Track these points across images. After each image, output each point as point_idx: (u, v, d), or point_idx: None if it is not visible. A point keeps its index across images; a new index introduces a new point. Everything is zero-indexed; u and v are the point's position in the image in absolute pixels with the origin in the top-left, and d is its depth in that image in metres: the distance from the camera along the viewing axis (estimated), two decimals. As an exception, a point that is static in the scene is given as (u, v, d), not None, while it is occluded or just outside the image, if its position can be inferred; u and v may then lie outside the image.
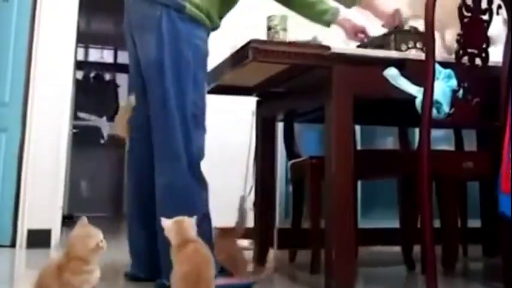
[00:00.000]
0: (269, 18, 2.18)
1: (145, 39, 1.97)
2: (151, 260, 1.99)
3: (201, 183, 1.96)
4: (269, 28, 2.16)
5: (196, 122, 1.93)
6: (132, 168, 2.18)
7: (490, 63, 1.99)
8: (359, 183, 2.94)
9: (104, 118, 6.61)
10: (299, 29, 2.22)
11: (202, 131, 1.98)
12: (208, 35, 2.06)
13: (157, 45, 1.91)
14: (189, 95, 1.92)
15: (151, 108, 1.97)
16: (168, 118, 1.89)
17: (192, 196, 1.90)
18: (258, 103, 2.79)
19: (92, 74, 6.87)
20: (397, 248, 2.57)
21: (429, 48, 1.90)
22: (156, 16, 1.91)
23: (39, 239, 3.28)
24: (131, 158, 2.18)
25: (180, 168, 1.88)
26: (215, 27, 2.10)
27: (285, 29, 2.15)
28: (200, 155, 1.96)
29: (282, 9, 2.30)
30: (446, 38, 2.32)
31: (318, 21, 2.30)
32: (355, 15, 2.43)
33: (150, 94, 1.98)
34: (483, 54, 1.97)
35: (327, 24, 2.30)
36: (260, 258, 2.66)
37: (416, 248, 2.40)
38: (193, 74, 1.94)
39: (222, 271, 1.91)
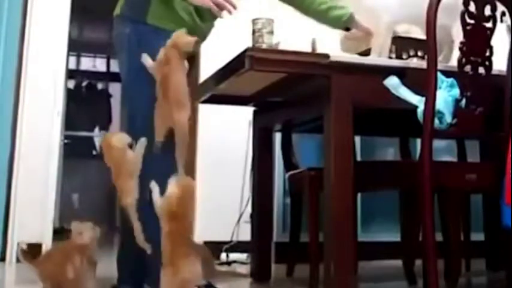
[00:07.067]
0: (253, 22, 2.13)
1: (120, 56, 2.06)
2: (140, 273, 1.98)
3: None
4: (253, 32, 2.11)
5: None
6: None
7: (494, 72, 1.97)
8: (359, 195, 2.90)
9: (96, 129, 6.55)
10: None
11: None
12: None
13: (128, 60, 1.99)
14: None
15: (125, 115, 2.05)
16: (139, 125, 1.91)
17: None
18: (255, 113, 2.76)
19: (84, 83, 6.81)
20: (398, 262, 2.54)
21: (431, 57, 1.88)
22: (126, 33, 1.99)
23: (29, 253, 3.21)
24: None
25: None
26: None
27: (270, 32, 2.10)
28: None
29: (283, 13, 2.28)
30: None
31: (334, 26, 2.31)
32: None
33: (125, 105, 2.10)
34: (486, 63, 1.96)
35: (344, 28, 2.30)
36: (258, 272, 2.60)
37: (418, 262, 2.35)
38: None
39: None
